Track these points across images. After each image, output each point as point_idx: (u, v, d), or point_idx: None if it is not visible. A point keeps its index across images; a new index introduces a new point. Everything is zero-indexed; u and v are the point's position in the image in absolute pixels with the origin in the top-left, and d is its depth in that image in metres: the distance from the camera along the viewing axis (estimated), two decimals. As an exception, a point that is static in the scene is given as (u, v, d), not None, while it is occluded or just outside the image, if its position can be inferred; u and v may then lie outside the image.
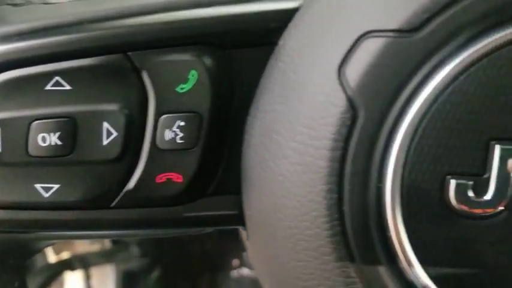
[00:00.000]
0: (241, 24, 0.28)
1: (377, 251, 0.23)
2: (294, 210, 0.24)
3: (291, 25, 0.26)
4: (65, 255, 0.56)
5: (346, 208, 0.23)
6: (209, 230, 0.33)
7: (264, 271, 0.28)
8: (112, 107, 0.27)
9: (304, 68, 0.24)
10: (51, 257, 0.55)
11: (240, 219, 0.29)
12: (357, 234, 0.23)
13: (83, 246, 0.57)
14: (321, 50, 0.24)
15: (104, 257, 0.59)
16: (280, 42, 0.26)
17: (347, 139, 0.22)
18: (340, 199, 0.23)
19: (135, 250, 0.59)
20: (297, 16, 0.26)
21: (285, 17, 0.27)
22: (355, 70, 0.22)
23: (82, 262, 0.56)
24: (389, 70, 0.22)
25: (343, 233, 0.23)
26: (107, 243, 0.58)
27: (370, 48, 0.22)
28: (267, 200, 0.26)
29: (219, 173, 0.29)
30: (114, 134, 0.27)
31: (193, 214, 0.30)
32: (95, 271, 0.57)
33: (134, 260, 0.59)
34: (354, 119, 0.22)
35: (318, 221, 0.23)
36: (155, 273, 0.59)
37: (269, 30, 0.27)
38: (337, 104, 0.23)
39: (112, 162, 0.27)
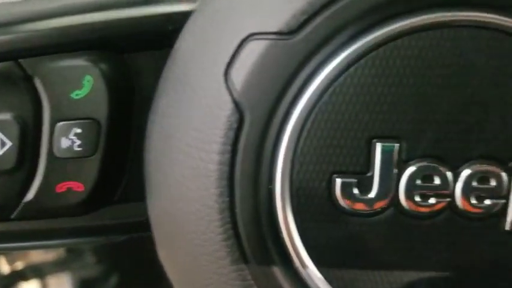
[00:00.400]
0: (138, 28, 0.28)
1: (271, 253, 0.24)
2: (190, 215, 0.25)
3: (185, 28, 0.26)
4: (19, 265, 0.55)
5: (238, 211, 0.24)
6: (121, 238, 0.33)
7: (172, 275, 0.29)
8: (4, 116, 0.27)
9: (194, 71, 0.25)
10: (4, 267, 0.54)
11: (148, 225, 0.29)
12: (250, 236, 0.24)
13: (37, 256, 0.57)
14: (209, 53, 0.24)
15: (58, 266, 0.58)
16: (176, 45, 0.27)
17: (235, 142, 0.23)
18: (232, 202, 0.24)
19: (90, 257, 0.59)
20: (190, 19, 0.26)
21: (181, 20, 0.27)
22: (240, 73, 0.23)
23: (36, 272, 0.56)
24: (272, 72, 0.23)
25: (237, 236, 0.24)
26: (62, 252, 0.58)
27: (253, 51, 0.23)
28: (166, 206, 0.26)
29: (124, 180, 0.30)
30: (9, 144, 0.27)
31: (99, 223, 0.30)
32: (51, 280, 0.57)
33: (90, 267, 0.59)
34: (240, 122, 0.23)
35: (211, 225, 0.24)
36: (113, 280, 0.59)
37: (166, 33, 0.28)
38: (224, 107, 0.23)
39: (8, 173, 0.28)
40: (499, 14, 0.22)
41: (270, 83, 0.23)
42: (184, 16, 0.27)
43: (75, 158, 0.28)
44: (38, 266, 0.56)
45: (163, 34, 0.28)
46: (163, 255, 0.28)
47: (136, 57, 0.29)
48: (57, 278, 0.57)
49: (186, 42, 0.26)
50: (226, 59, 0.23)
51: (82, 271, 0.58)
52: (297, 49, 0.23)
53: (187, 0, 0.29)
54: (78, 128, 0.27)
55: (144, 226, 0.30)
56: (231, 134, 0.23)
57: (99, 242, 0.33)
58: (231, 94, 0.23)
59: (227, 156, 0.23)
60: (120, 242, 0.32)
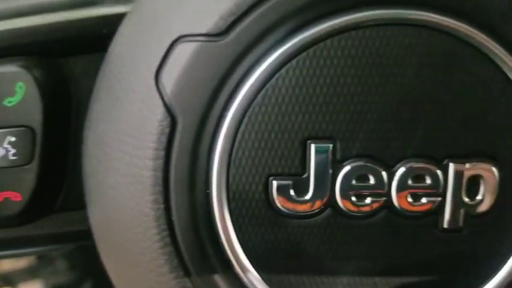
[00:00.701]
0: (71, 31, 0.28)
1: (210, 259, 0.24)
2: (126, 223, 0.24)
3: (118, 31, 0.26)
4: (-10, 274, 0.54)
5: (174, 218, 0.23)
6: (69, 247, 0.32)
7: (116, 283, 0.28)
8: None
9: (126, 75, 0.24)
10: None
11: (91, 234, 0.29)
12: (187, 243, 0.24)
13: (8, 264, 0.56)
14: (141, 56, 0.24)
15: (30, 273, 0.58)
16: (109, 48, 0.26)
17: (168, 147, 0.23)
18: (167, 209, 0.23)
19: (62, 264, 0.58)
20: (123, 21, 0.26)
21: (115, 22, 0.27)
22: (170, 76, 0.23)
23: (7, 280, 0.55)
24: (203, 75, 0.22)
25: (174, 243, 0.24)
26: (32, 259, 0.57)
27: (183, 53, 0.23)
28: (104, 214, 0.26)
29: (64, 188, 0.29)
30: None
31: (40, 232, 0.29)
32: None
33: (62, 273, 0.59)
34: (173, 126, 0.23)
35: (148, 233, 0.24)
36: (86, 286, 0.58)
37: (101, 36, 0.27)
38: (155, 111, 0.23)
39: None
40: (427, 11, 0.22)
41: (201, 86, 0.23)
42: (119, 19, 0.27)
43: (11, 167, 0.27)
44: (9, 275, 0.55)
45: (98, 37, 0.27)
46: (106, 263, 0.28)
47: (71, 61, 0.28)
48: (28, 285, 0.56)
49: (119, 45, 0.26)
50: (157, 62, 0.23)
51: (54, 278, 0.58)
52: (227, 51, 0.22)
53: (122, 3, 0.29)
54: (12, 136, 0.27)
55: (87, 235, 0.29)
56: (164, 138, 0.23)
57: (41, 252, 0.32)
58: (162, 98, 0.23)
59: (160, 161, 0.23)
60: (92, 246, 0.32)
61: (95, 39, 0.28)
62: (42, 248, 0.32)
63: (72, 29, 0.28)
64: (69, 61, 0.28)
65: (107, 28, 0.27)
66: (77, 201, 0.29)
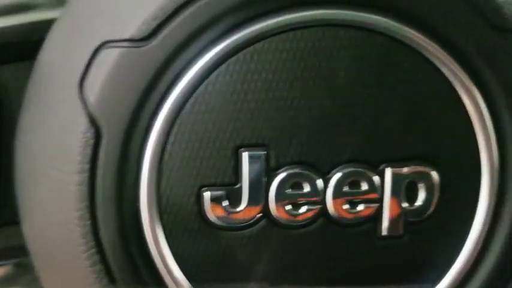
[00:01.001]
0: (1, 39, 0.26)
1: (142, 275, 0.22)
2: (56, 240, 0.23)
3: (47, 37, 0.24)
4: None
5: (102, 234, 0.22)
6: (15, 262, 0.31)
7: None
8: None
9: (52, 83, 0.23)
10: None
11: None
12: (117, 260, 0.22)
13: None
14: (65, 64, 0.22)
15: (7, 282, 0.55)
16: (38, 56, 0.24)
17: (93, 160, 0.21)
18: (95, 225, 0.22)
19: None
20: (52, 28, 0.24)
21: (45, 29, 0.25)
22: (94, 84, 0.21)
23: None
24: (128, 82, 0.21)
25: (104, 261, 0.22)
26: (9, 268, 0.55)
27: (107, 60, 0.21)
28: (35, 230, 0.24)
29: (0, 203, 0.27)
30: None
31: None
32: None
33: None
34: (97, 138, 0.21)
35: (77, 251, 0.22)
36: None
37: (31, 43, 0.25)
38: (78, 122, 0.21)
39: None
40: (360, 11, 0.21)
41: (126, 94, 0.21)
42: (50, 25, 0.25)
43: None
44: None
45: (28, 45, 0.26)
46: (41, 278, 0.26)
47: (2, 70, 0.26)
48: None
49: (47, 52, 0.24)
50: (81, 70, 0.21)
51: (33, 285, 0.56)
52: (152, 56, 0.21)
53: (55, 8, 0.27)
54: None
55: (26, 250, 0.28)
56: (88, 151, 0.21)
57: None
58: (85, 107, 0.21)
59: (86, 175, 0.21)
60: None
61: (26, 46, 0.26)
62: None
63: (1, 36, 0.26)
64: None
65: (38, 34, 0.25)
66: (14, 216, 0.27)
